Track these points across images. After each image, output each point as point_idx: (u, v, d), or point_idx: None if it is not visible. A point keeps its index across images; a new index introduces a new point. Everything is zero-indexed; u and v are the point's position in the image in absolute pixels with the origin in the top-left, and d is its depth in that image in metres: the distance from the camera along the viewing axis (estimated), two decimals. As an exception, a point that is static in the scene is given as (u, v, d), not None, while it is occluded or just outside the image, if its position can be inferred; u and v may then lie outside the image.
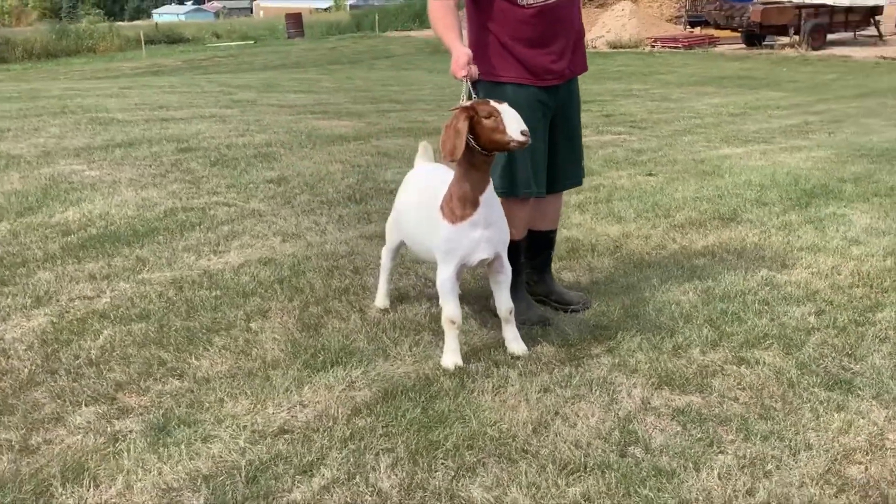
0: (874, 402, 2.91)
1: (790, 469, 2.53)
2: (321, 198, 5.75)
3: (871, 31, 23.23)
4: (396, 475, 2.52)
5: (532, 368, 3.19)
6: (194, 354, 3.32)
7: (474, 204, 3.05)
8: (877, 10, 23.04)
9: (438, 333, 3.48)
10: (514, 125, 2.88)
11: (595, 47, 24.69)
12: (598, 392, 3.00)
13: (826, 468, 2.53)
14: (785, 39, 22.12)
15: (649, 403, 2.92)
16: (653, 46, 23.87)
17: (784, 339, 3.41)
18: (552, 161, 3.59)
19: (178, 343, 3.42)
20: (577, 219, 5.29)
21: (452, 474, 2.51)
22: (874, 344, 3.37)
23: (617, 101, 12.23)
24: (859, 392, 2.98)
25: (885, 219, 5.24)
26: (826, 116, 11.00)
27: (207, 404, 2.95)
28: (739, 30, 22.93)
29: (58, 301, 3.85)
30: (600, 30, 25.90)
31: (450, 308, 3.19)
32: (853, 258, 4.43)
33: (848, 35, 23.21)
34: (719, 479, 2.48)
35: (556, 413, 2.87)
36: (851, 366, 3.20)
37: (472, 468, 2.54)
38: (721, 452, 2.62)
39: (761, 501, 2.38)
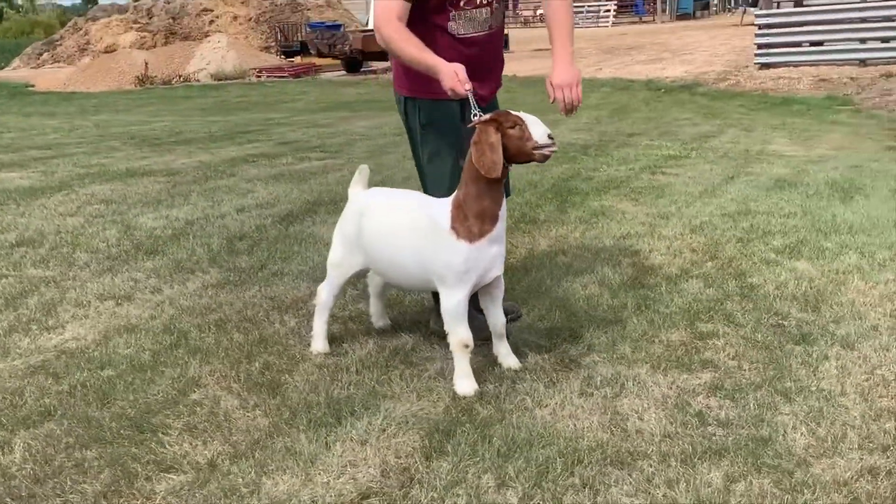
0: (838, 348, 3.35)
1: (846, 408, 2.84)
2: (98, 254, 5.04)
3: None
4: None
5: (543, 378, 3.17)
6: (161, 442, 2.82)
7: (493, 219, 2.98)
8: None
9: (413, 363, 3.35)
10: (539, 131, 2.86)
11: (199, 80, 24.17)
12: (631, 385, 3.08)
13: (864, 397, 2.88)
14: (386, 64, 23.55)
15: (679, 386, 3.07)
16: (259, 77, 23.99)
17: (717, 312, 3.76)
18: None
19: (126, 436, 2.88)
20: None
21: (590, 491, 2.45)
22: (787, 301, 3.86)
23: (272, 130, 12.09)
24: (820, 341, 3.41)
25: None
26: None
27: (244, 488, 2.55)
28: (341, 57, 23.92)
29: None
30: (200, 62, 25.41)
31: (463, 332, 3.07)
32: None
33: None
34: (809, 433, 2.71)
35: (616, 412, 2.90)
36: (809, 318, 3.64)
37: (602, 480, 2.50)
38: (781, 413, 2.85)
39: (846, 436, 2.65)
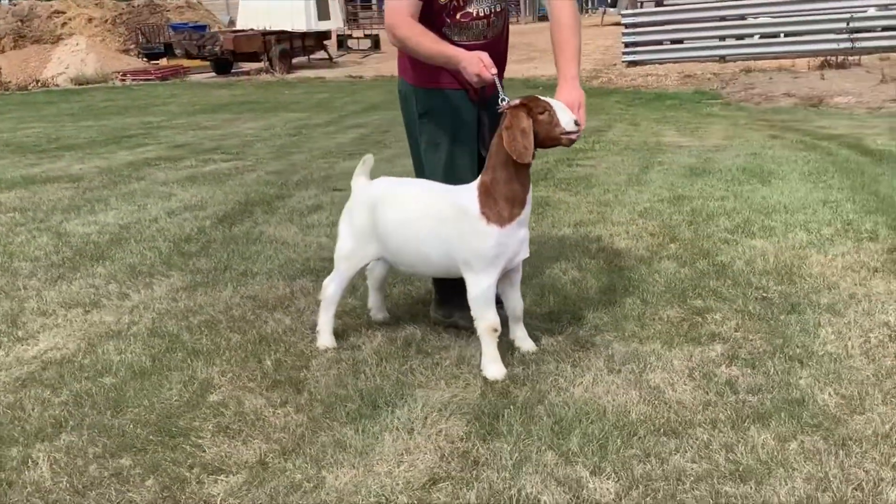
0: (829, 315, 3.57)
1: (857, 369, 3.04)
2: (40, 262, 4.78)
3: (322, 54, 25.41)
4: (621, 474, 2.47)
5: (565, 359, 3.24)
6: (198, 445, 2.74)
7: (522, 203, 3.01)
8: (326, 35, 25.33)
9: (428, 353, 3.36)
10: (566, 117, 2.91)
11: (58, 85, 23.03)
12: (653, 360, 3.19)
13: (869, 358, 3.09)
14: (259, 65, 23.12)
15: (697, 358, 3.20)
16: (123, 80, 23.06)
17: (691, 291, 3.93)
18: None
19: (157, 441, 2.78)
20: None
21: (656, 460, 2.54)
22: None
23: (156, 133, 11.63)
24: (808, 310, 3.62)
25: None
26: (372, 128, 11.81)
27: (306, 483, 2.51)
28: (211, 58, 23.31)
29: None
30: (58, 66, 24.16)
31: (492, 316, 3.10)
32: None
33: (304, 59, 25.08)
34: (835, 394, 2.88)
35: (649, 386, 3.00)
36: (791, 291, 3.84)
37: (662, 450, 2.59)
38: (801, 377, 3.02)
39: (868, 393, 2.84)
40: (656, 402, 2.87)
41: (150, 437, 2.80)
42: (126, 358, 3.41)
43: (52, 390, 3.16)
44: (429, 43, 3.12)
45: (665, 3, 22.12)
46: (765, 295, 3.78)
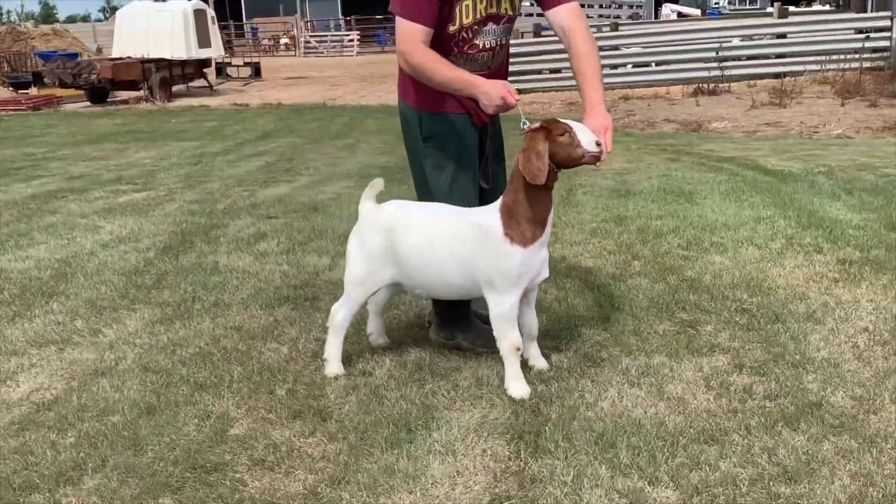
0: (811, 324, 3.78)
1: (856, 372, 3.23)
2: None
3: (202, 82, 24.90)
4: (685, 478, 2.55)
5: (581, 375, 3.31)
6: (238, 480, 2.69)
7: (543, 224, 3.07)
8: (206, 63, 24.82)
9: (443, 376, 3.38)
10: (587, 138, 2.99)
11: (-81, 117, 21.63)
12: (666, 372, 3.30)
13: (863, 361, 3.30)
14: (137, 93, 22.41)
15: (707, 369, 3.33)
16: (-10, 111, 21.89)
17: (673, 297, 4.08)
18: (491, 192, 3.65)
19: (193, 479, 2.70)
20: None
21: (706, 467, 2.63)
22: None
23: (46, 165, 11.10)
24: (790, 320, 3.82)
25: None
26: (277, 156, 11.66)
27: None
28: (87, 87, 22.44)
29: None
30: (-85, 97, 22.75)
31: (515, 335, 3.14)
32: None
33: (182, 87, 24.50)
34: (847, 396, 3.06)
35: (672, 397, 3.10)
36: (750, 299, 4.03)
37: (708, 457, 2.68)
38: (809, 382, 3.19)
39: (878, 394, 3.04)
40: (685, 411, 2.97)
41: (185, 474, 2.70)
42: (126, 395, 3.26)
43: (58, 432, 3.00)
44: (446, 70, 3.15)
45: (542, 34, 22.77)
46: (744, 307, 3.96)
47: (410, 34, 3.17)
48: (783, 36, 18.70)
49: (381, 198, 3.42)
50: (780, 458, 2.65)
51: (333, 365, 3.40)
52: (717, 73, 18.35)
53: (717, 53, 18.77)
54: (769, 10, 24.70)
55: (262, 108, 19.88)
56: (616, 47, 20.49)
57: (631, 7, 29.34)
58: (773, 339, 3.57)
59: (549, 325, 3.81)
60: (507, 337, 3.13)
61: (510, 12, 3.33)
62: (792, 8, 22.39)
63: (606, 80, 18.95)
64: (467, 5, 3.22)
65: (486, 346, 3.54)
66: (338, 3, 46.15)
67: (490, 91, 3.08)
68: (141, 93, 22.14)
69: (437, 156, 3.45)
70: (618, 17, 26.00)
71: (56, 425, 3.05)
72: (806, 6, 31.94)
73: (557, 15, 3.28)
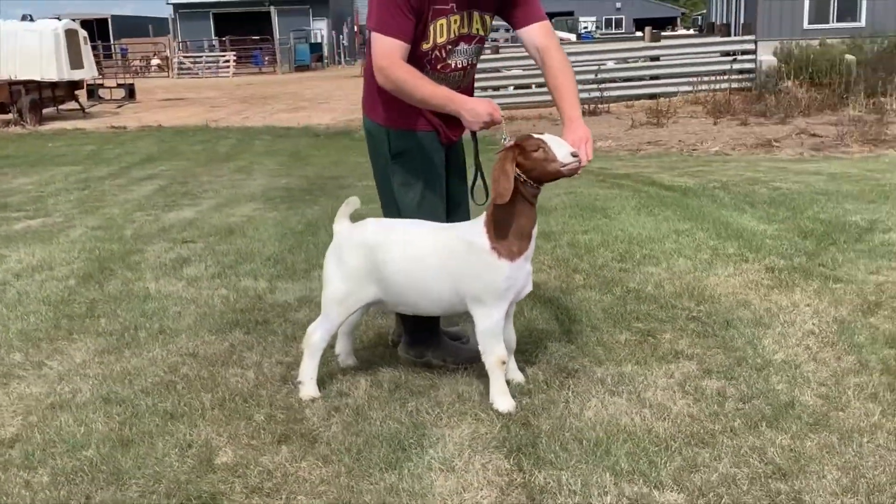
0: (760, 329, 3.96)
1: (815, 372, 3.41)
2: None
3: (74, 104, 23.94)
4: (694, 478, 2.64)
5: (559, 386, 3.36)
6: None
7: (528, 237, 3.12)
8: (78, 84, 23.85)
9: (421, 394, 3.37)
10: (562, 151, 3.04)
11: None
12: (640, 380, 3.39)
13: (818, 362, 3.48)
14: (6, 117, 21.31)
15: (677, 375, 3.44)
16: None
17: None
18: (453, 211, 3.67)
19: None
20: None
21: (704, 469, 2.72)
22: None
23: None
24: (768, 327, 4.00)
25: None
26: (170, 177, 11.34)
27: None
28: (-55, 111, 21.18)
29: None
30: None
31: (501, 349, 3.17)
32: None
33: (52, 110, 23.48)
34: (815, 395, 3.23)
35: (653, 404, 3.19)
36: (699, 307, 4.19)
37: (703, 459, 2.77)
38: (776, 383, 3.35)
39: (843, 392, 3.22)
40: (670, 417, 3.06)
41: (181, 506, 2.58)
42: (94, 428, 3.11)
43: (29, 471, 2.85)
44: (428, 86, 3.16)
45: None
46: (694, 315, 4.11)
47: (388, 49, 3.16)
48: (656, 59, 19.54)
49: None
50: (771, 456, 2.76)
51: (309, 387, 3.33)
52: (597, 94, 18.99)
53: (596, 75, 19.43)
54: (637, 34, 25.82)
55: (142, 131, 19.25)
56: (497, 69, 20.87)
57: (508, 30, 30.01)
58: (730, 344, 3.72)
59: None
60: (493, 351, 3.15)
61: (482, 33, 3.37)
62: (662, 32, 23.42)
63: (495, 100, 19.41)
64: (442, 24, 3.24)
65: (455, 362, 3.56)
66: (211, 23, 45.27)
67: (475, 108, 3.10)
68: (10, 116, 21.08)
69: (406, 173, 3.45)
70: (496, 40, 26.55)
71: (24, 463, 2.89)
72: (671, 31, 33.51)
73: (531, 33, 3.34)
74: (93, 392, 3.44)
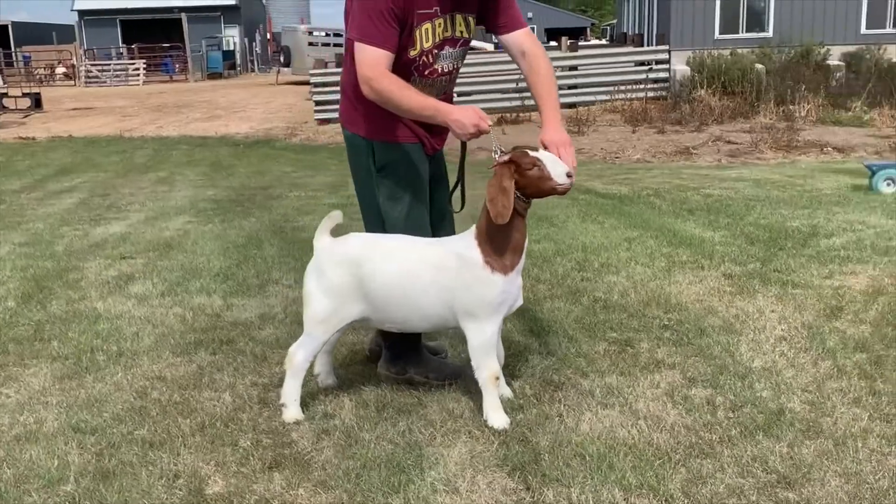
0: (733, 336, 4.01)
1: (796, 378, 3.46)
2: None
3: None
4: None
5: (550, 400, 3.33)
6: None
7: (520, 251, 3.07)
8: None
9: (409, 412, 3.29)
10: (558, 169, 3.02)
11: None
12: (627, 391, 3.38)
13: (796, 368, 3.54)
14: None
15: (663, 386, 3.45)
16: None
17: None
18: (438, 223, 3.61)
19: None
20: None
21: (711, 480, 2.72)
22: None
23: None
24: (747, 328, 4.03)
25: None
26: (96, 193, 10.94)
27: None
28: None
29: None
30: None
31: (494, 364, 3.12)
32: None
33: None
34: (801, 401, 3.27)
35: (646, 415, 3.19)
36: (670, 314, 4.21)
37: (706, 470, 2.77)
38: (760, 390, 3.38)
39: (828, 398, 3.27)
40: (665, 428, 3.05)
41: (180, 542, 2.45)
42: (68, 461, 2.94)
43: (7, 510, 2.64)
44: (414, 96, 3.09)
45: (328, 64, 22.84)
46: (665, 323, 4.14)
47: (374, 60, 3.08)
48: (574, 68, 19.81)
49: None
50: (773, 465, 2.78)
51: (293, 410, 3.22)
52: (518, 103, 19.12)
53: (517, 85, 19.58)
54: (551, 43, 26.17)
55: (52, 141, 18.57)
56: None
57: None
58: (707, 352, 3.75)
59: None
60: (486, 367, 3.09)
61: (466, 35, 3.32)
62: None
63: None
64: (427, 29, 3.18)
65: (438, 378, 3.49)
66: (118, 30, 44.01)
67: (462, 118, 3.05)
68: None
69: (393, 186, 3.37)
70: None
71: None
72: (584, 41, 34.06)
73: (517, 39, 3.32)
74: (60, 421, 3.25)
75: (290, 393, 3.22)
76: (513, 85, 19.59)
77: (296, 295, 4.81)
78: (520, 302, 3.17)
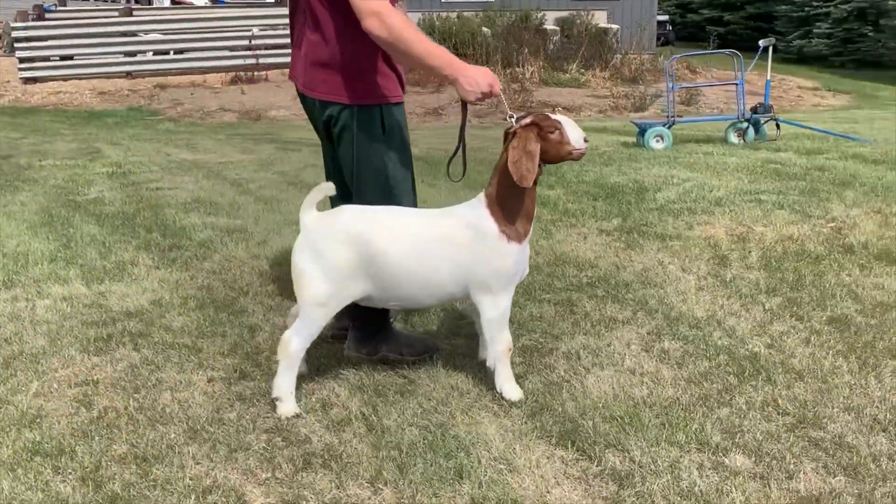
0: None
1: (728, 317, 3.72)
2: None
3: None
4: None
5: (548, 367, 3.31)
6: None
7: (531, 218, 2.98)
8: None
9: (411, 393, 3.15)
10: (576, 134, 2.94)
11: None
12: (617, 350, 3.44)
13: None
14: None
15: (636, 342, 3.55)
16: None
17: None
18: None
19: None
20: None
21: (749, 420, 2.86)
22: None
23: None
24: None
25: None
26: None
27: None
28: None
29: None
30: None
31: (508, 336, 3.03)
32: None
33: None
34: (766, 344, 3.52)
35: (647, 371, 3.26)
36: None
37: (733, 413, 2.91)
38: (713, 333, 3.59)
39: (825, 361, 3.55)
40: (669, 382, 3.14)
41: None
42: (58, 491, 2.46)
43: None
44: (425, 40, 2.85)
45: (47, 17, 20.70)
46: (589, 281, 4.25)
47: None
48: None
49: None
50: (784, 407, 2.95)
51: (289, 403, 2.93)
52: (252, 61, 18.44)
53: (250, 42, 18.86)
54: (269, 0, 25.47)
55: None
56: (133, 33, 19.25)
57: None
58: (648, 306, 3.90)
59: (465, 328, 3.66)
60: (501, 339, 3.00)
61: None
62: None
63: (125, 67, 17.88)
64: None
65: (412, 353, 3.34)
66: None
67: (476, 76, 2.87)
68: None
69: (398, 150, 3.15)
70: (128, 0, 24.65)
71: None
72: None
73: None
74: (14, 449, 2.69)
75: (285, 385, 2.92)
76: (245, 42, 18.86)
77: (168, 275, 4.35)
78: (527, 271, 3.09)
